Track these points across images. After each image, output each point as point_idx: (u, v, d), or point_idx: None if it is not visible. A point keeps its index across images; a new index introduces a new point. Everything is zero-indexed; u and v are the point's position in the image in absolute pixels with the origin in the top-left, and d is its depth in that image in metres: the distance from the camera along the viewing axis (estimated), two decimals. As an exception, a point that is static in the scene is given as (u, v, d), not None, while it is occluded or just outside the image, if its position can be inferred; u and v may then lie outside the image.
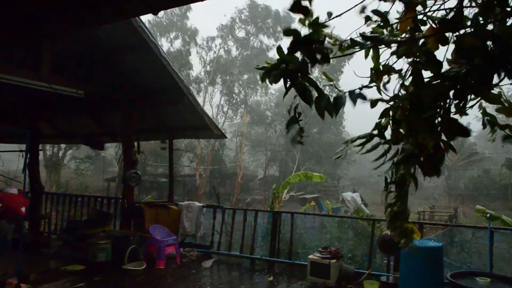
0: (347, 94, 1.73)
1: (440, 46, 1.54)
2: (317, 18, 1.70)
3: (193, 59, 39.41)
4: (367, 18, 1.76)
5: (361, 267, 6.58)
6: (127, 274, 6.23)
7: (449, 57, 1.58)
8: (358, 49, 1.74)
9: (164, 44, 38.75)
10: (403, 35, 1.73)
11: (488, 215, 6.08)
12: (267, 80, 1.76)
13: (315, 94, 1.75)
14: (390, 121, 1.76)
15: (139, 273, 6.33)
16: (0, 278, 5.43)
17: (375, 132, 1.84)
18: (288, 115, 1.82)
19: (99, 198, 9.54)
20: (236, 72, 41.19)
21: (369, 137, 1.84)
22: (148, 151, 25.41)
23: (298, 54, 1.73)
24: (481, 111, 1.76)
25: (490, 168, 36.86)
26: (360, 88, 1.75)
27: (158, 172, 34.58)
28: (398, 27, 1.73)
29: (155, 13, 2.88)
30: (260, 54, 40.63)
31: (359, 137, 1.89)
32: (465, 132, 1.53)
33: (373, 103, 1.77)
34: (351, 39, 1.73)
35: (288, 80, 1.73)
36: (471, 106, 1.63)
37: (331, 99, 1.73)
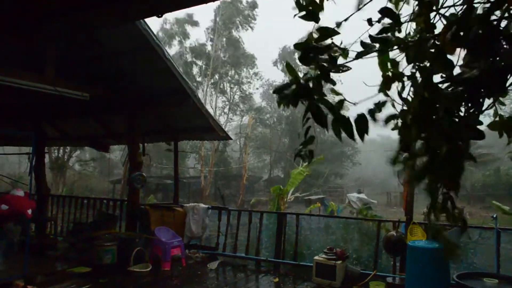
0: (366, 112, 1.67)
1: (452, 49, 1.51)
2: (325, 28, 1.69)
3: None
4: (370, 21, 1.72)
5: (367, 268, 6.56)
6: (132, 276, 6.24)
7: (460, 61, 1.55)
8: (364, 55, 1.70)
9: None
10: (413, 36, 1.69)
11: (494, 216, 6.03)
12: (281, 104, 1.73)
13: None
14: (399, 125, 1.70)
15: (145, 275, 6.34)
16: (6, 280, 5.46)
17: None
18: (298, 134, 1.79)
19: (105, 200, 9.57)
20: (228, 68, 41.74)
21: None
22: (153, 153, 25.53)
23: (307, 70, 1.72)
24: (496, 118, 1.68)
25: (497, 167, 36.56)
26: (376, 106, 1.68)
27: (163, 174, 34.68)
28: (409, 28, 1.70)
29: (159, 16, 2.89)
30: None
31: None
32: (480, 135, 1.50)
33: (387, 120, 1.71)
34: (361, 42, 1.69)
35: (301, 101, 1.69)
36: (483, 111, 1.57)
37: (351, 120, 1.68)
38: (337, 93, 1.77)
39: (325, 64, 1.68)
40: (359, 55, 1.68)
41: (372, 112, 1.66)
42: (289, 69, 1.73)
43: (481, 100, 1.50)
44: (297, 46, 1.71)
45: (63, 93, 6.26)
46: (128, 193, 8.17)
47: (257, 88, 47.72)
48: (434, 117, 1.54)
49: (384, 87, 1.71)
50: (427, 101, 1.55)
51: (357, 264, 7.08)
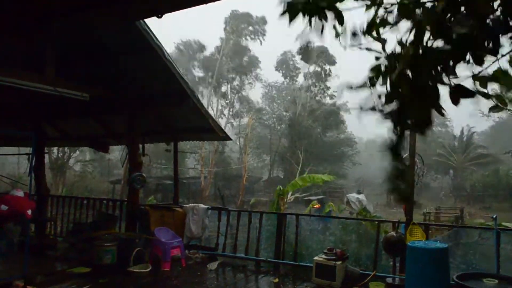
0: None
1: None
2: None
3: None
4: None
5: (367, 268, 6.56)
6: (132, 276, 6.24)
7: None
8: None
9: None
10: None
11: (494, 216, 6.04)
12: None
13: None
14: (384, 80, 1.67)
15: (145, 275, 6.34)
16: (6, 280, 5.46)
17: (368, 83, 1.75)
18: None
19: (105, 201, 9.56)
20: (232, 75, 42.38)
21: (363, 85, 1.76)
22: (153, 153, 25.54)
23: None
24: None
25: (497, 168, 36.60)
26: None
27: (163, 174, 34.69)
28: None
29: (159, 16, 2.89)
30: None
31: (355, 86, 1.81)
32: (471, 93, 1.47)
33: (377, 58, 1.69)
34: None
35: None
36: (476, 74, 1.55)
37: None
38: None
39: None
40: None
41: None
42: None
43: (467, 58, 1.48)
44: None
45: (63, 93, 6.26)
46: (128, 194, 8.17)
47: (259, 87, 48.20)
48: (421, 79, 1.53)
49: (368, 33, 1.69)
50: (416, 60, 1.53)
51: (357, 264, 7.08)
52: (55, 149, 29.18)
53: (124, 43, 6.67)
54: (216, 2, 2.78)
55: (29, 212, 6.21)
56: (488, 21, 1.41)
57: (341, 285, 5.84)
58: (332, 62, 44.80)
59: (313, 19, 1.65)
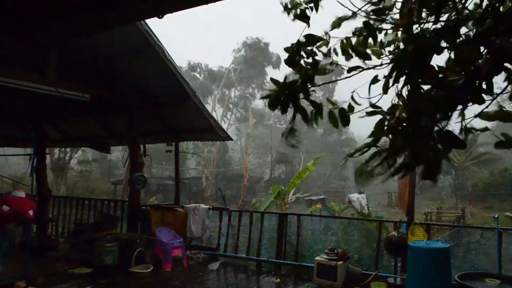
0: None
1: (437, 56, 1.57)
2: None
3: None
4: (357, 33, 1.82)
5: (368, 268, 6.55)
6: (133, 277, 6.25)
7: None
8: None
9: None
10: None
11: (496, 216, 6.02)
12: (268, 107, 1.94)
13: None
14: (387, 131, 1.78)
15: (146, 275, 6.34)
16: (8, 281, 5.47)
17: (370, 140, 1.85)
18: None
19: (106, 201, 9.56)
20: (236, 84, 43.13)
21: (366, 147, 1.86)
22: (154, 154, 25.51)
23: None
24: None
25: (499, 167, 36.51)
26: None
27: (164, 175, 34.71)
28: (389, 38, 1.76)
29: (160, 16, 2.89)
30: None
31: (357, 150, 1.92)
32: (461, 144, 1.56)
33: (370, 114, 1.82)
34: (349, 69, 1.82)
35: (290, 105, 1.85)
36: (476, 116, 1.62)
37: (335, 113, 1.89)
38: (333, 103, 1.92)
39: (308, 67, 1.84)
40: (350, 70, 1.83)
41: (342, 112, 1.87)
42: (274, 81, 1.88)
43: (465, 104, 1.55)
44: (286, 49, 1.85)
45: (64, 94, 6.27)
46: (129, 194, 8.18)
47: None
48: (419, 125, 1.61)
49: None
50: (412, 106, 1.61)
51: (358, 264, 7.07)
52: (56, 150, 29.21)
53: (125, 43, 6.67)
54: (217, 3, 2.78)
55: (31, 212, 6.21)
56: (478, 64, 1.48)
57: (342, 285, 5.84)
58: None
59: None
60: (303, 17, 1.80)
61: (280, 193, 17.19)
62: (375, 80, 1.81)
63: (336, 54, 1.87)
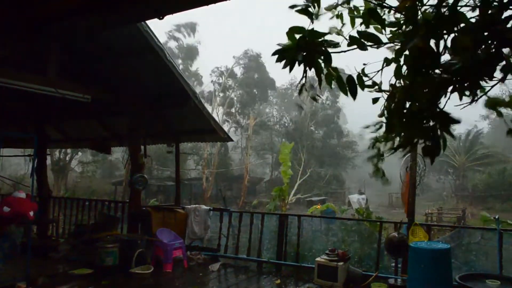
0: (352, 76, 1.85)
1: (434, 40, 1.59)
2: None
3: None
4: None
5: (369, 269, 6.54)
6: (134, 278, 6.25)
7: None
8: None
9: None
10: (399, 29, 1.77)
11: (496, 217, 6.02)
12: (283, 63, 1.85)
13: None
14: (385, 112, 1.81)
15: (147, 276, 6.34)
16: (9, 282, 5.47)
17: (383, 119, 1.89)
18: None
19: (106, 202, 9.56)
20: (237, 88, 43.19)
21: (379, 126, 1.89)
22: (154, 155, 25.55)
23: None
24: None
25: (500, 168, 36.48)
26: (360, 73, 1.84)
27: (165, 176, 34.70)
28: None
29: (160, 18, 2.90)
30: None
31: (371, 125, 1.95)
32: (455, 120, 1.63)
33: (375, 100, 1.85)
34: (350, 36, 1.81)
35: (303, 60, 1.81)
36: (476, 100, 1.64)
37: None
38: (338, 33, 1.89)
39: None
40: (350, 44, 1.82)
41: (350, 80, 1.85)
42: (290, 34, 1.83)
43: (465, 88, 1.59)
44: (291, 30, 1.79)
45: (65, 95, 6.28)
46: (130, 195, 8.18)
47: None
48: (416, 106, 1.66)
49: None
50: (411, 89, 1.64)
51: (359, 265, 7.06)
52: (56, 151, 29.24)
53: (125, 44, 6.68)
54: (217, 3, 2.78)
55: (31, 213, 6.22)
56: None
57: (343, 286, 5.83)
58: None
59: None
60: (306, 13, 1.80)
61: (280, 194, 17.24)
62: (375, 100, 1.90)
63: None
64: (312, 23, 1.80)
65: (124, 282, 6.12)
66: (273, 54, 1.86)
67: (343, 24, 1.89)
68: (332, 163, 43.62)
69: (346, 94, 1.86)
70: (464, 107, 1.66)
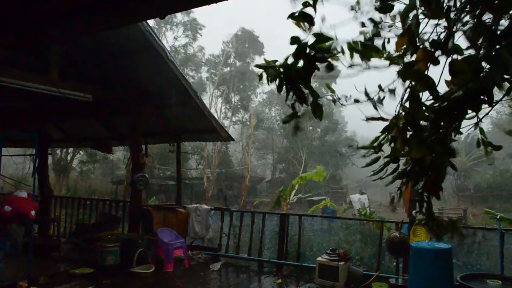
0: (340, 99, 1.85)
1: (433, 66, 1.60)
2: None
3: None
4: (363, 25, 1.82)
5: (370, 269, 6.54)
6: (135, 277, 6.26)
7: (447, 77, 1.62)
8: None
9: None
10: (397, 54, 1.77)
11: (498, 217, 6.01)
12: (264, 79, 1.86)
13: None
14: (388, 138, 1.81)
15: (148, 276, 6.35)
16: (10, 281, 5.48)
17: (375, 144, 1.88)
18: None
19: (108, 202, 9.58)
20: (236, 81, 42.79)
21: (372, 148, 1.89)
22: (156, 154, 25.57)
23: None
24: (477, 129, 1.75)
25: (501, 169, 36.42)
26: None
27: (166, 175, 34.69)
28: (394, 46, 1.77)
29: (161, 17, 2.90)
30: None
31: (362, 147, 1.95)
32: (452, 153, 1.61)
33: (369, 119, 1.85)
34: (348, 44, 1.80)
35: (287, 84, 1.83)
36: (477, 122, 1.65)
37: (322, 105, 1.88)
38: (332, 90, 1.89)
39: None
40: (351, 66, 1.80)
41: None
42: (265, 63, 1.84)
43: (463, 115, 1.60)
44: (293, 41, 1.77)
45: (66, 95, 6.28)
46: (131, 194, 8.19)
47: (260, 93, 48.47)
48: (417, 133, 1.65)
49: None
50: (412, 117, 1.65)
51: (360, 265, 7.06)
52: (58, 150, 29.25)
53: (126, 43, 6.69)
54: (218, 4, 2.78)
55: (33, 213, 6.23)
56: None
57: (344, 285, 5.84)
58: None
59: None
60: (305, 17, 1.80)
61: (282, 194, 17.22)
62: (373, 161, 1.89)
63: (342, 52, 1.86)
64: (313, 25, 1.79)
65: (125, 281, 6.13)
66: (257, 66, 1.87)
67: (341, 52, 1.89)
68: (332, 162, 43.57)
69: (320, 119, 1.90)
70: (468, 130, 1.68)
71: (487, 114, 1.63)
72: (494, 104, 1.53)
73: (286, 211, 15.98)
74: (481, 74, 1.49)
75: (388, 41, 1.78)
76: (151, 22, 6.61)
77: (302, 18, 1.76)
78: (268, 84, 1.91)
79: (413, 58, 1.65)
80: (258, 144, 47.30)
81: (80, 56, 6.97)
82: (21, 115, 9.27)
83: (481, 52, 1.50)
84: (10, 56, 4.49)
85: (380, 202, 35.29)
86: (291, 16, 1.75)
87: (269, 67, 1.83)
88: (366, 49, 1.77)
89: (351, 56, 1.79)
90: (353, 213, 24.79)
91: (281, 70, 1.80)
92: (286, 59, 1.80)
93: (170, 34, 42.14)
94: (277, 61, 1.84)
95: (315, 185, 38.89)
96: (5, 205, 6.04)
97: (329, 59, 1.79)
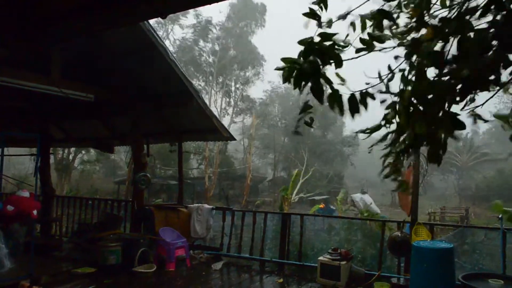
0: (358, 93, 1.85)
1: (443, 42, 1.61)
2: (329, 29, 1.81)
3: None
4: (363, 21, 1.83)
5: (372, 268, 6.54)
6: (137, 277, 6.26)
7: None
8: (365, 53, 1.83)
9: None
10: (406, 36, 1.78)
11: (500, 216, 5.99)
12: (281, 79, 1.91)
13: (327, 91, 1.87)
14: (395, 114, 1.83)
15: (149, 275, 6.35)
16: (12, 281, 5.49)
17: (383, 122, 1.90)
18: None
19: (109, 201, 9.58)
20: (235, 67, 42.19)
21: (377, 127, 1.91)
22: (157, 154, 25.57)
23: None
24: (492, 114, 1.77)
25: (503, 168, 36.36)
26: (365, 90, 1.85)
27: (168, 175, 34.74)
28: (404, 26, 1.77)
29: (163, 17, 2.90)
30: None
31: (368, 129, 1.96)
32: (461, 125, 1.64)
33: (383, 102, 1.86)
34: (360, 39, 1.80)
35: (304, 81, 1.84)
36: (482, 104, 1.67)
37: (342, 97, 1.86)
38: (342, 79, 1.89)
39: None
40: (358, 51, 1.84)
41: (363, 96, 1.84)
42: (285, 61, 1.85)
43: (470, 93, 1.62)
44: (300, 42, 1.81)
45: (68, 95, 6.30)
46: (133, 194, 8.20)
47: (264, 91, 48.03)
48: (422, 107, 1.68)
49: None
50: (419, 91, 1.67)
51: (362, 264, 7.06)
52: (60, 150, 29.30)
53: (128, 43, 6.70)
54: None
55: (35, 212, 6.25)
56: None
57: (345, 285, 5.83)
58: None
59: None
60: (313, 16, 1.81)
61: (283, 194, 17.30)
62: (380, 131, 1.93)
63: (354, 28, 1.86)
64: (320, 27, 1.80)
65: (127, 281, 6.14)
66: (277, 69, 1.88)
67: (354, 32, 1.89)
68: (333, 161, 43.53)
69: (342, 114, 1.90)
70: (472, 109, 1.68)
71: (497, 92, 1.64)
72: (503, 84, 1.54)
73: (287, 211, 16.00)
74: (489, 53, 1.49)
75: (398, 16, 1.80)
76: (154, 19, 6.60)
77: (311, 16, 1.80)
78: (284, 82, 1.89)
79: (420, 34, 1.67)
80: (260, 143, 47.26)
81: (82, 56, 6.97)
82: (23, 115, 9.29)
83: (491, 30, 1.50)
84: (12, 56, 4.50)
85: (382, 202, 35.28)
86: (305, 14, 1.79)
87: (285, 68, 1.84)
88: (376, 20, 1.78)
89: (362, 30, 1.81)
90: (355, 213, 24.81)
91: (296, 67, 1.81)
92: (299, 56, 1.82)
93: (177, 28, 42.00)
94: (294, 59, 1.85)
95: (317, 185, 38.91)
96: (8, 204, 6.06)
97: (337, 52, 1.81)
